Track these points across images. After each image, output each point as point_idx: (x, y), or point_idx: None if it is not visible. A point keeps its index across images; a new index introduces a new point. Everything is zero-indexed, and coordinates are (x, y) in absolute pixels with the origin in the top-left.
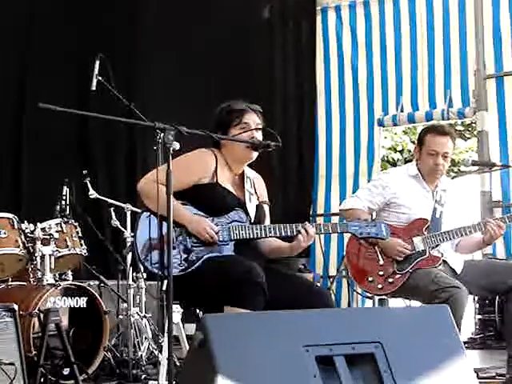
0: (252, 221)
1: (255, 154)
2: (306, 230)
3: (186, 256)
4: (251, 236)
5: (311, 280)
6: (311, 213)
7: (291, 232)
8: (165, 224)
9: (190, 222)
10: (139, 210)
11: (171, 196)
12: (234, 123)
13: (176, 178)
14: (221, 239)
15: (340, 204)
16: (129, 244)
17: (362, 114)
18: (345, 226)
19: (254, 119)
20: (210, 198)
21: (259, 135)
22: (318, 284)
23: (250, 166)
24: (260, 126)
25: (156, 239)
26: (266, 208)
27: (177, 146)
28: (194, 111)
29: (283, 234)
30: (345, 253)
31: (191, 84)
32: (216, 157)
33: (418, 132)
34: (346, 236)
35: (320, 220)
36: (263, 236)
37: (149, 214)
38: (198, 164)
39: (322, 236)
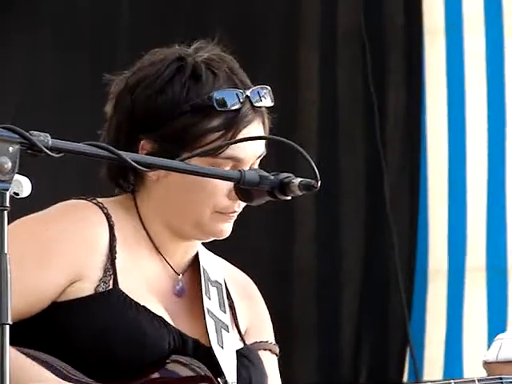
0: None
1: (234, 206)
2: None
3: None
4: None
5: None
6: (406, 375)
7: None
8: None
9: None
10: None
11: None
12: (197, 143)
13: (13, 288)
14: None
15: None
16: None
17: None
18: None
19: (253, 145)
20: (98, 335)
21: (253, 155)
22: None
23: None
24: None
25: None
26: (270, 361)
27: (24, 189)
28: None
29: None
30: None
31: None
32: (112, 225)
33: None
34: None
35: None
36: None
37: None
38: (68, 244)
39: None
